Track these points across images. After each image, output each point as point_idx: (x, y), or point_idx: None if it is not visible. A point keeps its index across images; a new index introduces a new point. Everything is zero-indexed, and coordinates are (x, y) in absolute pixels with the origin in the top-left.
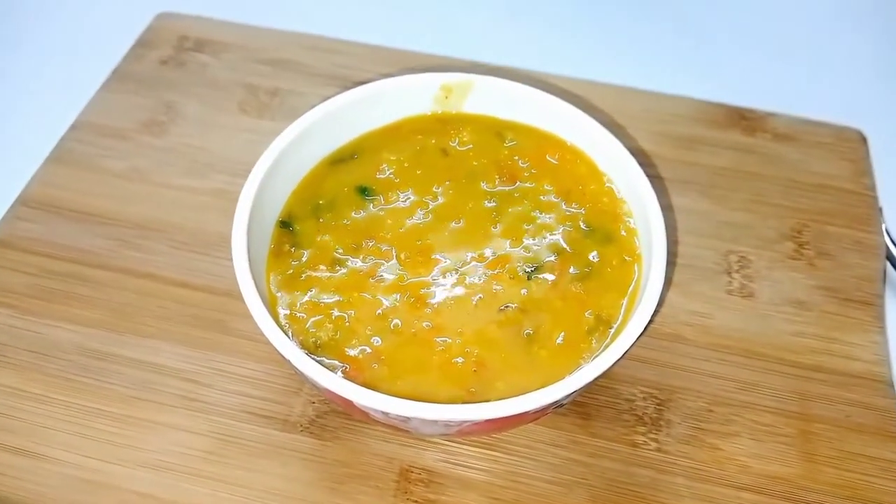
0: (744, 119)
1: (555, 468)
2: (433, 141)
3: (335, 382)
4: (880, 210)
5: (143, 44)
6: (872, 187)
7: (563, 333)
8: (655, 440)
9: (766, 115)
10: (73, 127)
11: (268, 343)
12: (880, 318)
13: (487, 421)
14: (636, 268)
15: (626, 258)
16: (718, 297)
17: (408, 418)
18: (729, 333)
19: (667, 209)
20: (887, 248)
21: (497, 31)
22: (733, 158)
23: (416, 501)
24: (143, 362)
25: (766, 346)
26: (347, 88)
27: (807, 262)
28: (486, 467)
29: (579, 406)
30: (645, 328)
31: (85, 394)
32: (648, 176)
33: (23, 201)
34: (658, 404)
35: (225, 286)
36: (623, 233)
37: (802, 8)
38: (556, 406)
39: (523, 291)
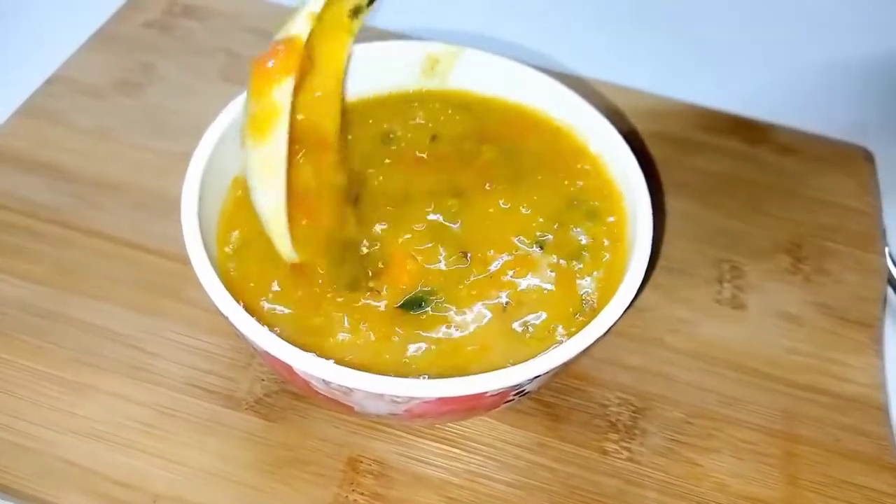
0: (747, 128)
1: (517, 471)
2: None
3: (272, 343)
4: (884, 232)
5: (132, 6)
6: (877, 207)
7: (550, 317)
8: (628, 449)
9: (770, 126)
10: (47, 82)
11: (220, 312)
12: (878, 341)
13: (439, 400)
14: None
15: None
16: (707, 306)
17: (350, 390)
18: (716, 343)
19: (660, 211)
20: (889, 271)
21: (499, 24)
22: (733, 166)
23: (362, 494)
24: (89, 324)
25: (755, 360)
26: None
27: (803, 277)
28: (443, 464)
29: (549, 407)
30: (614, 323)
31: (24, 352)
32: (645, 174)
33: None
34: (634, 412)
35: (182, 252)
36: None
37: (824, 25)
38: (518, 393)
39: (511, 272)
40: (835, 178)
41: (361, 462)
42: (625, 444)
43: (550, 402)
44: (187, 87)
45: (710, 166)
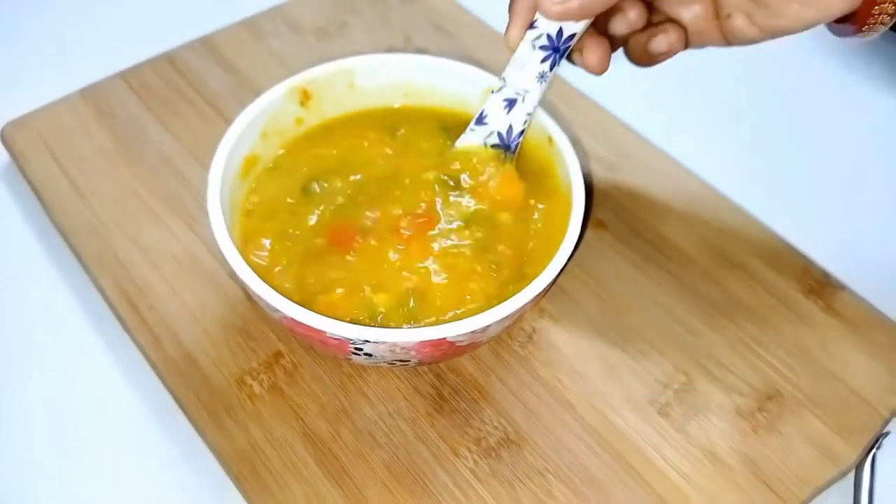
0: (813, 278)
1: (385, 428)
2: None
3: (235, 260)
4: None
5: None
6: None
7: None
8: (476, 463)
9: (841, 286)
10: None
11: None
12: None
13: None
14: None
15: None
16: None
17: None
18: (623, 430)
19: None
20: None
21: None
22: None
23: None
24: None
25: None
26: None
27: (753, 425)
28: (332, 398)
29: (441, 399)
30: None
31: None
32: None
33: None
34: (503, 440)
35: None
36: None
37: None
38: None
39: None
40: (858, 357)
41: (284, 357)
42: (476, 458)
43: (445, 395)
44: None
45: (742, 294)
